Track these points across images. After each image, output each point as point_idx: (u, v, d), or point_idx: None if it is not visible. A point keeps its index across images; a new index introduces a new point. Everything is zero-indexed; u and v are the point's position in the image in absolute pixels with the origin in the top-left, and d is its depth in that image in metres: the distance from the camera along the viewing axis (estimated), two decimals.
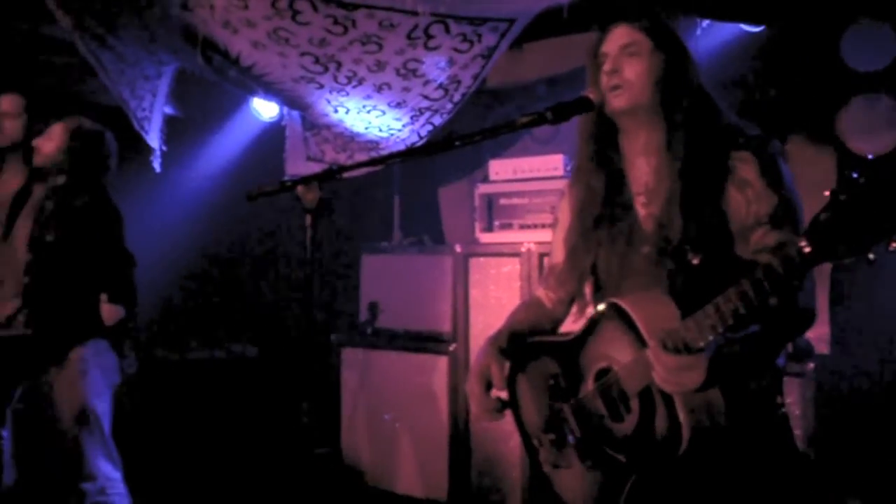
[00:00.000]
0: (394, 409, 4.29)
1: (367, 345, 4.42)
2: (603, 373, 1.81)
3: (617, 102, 1.87)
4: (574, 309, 2.08)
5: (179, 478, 4.47)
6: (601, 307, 1.83)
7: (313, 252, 1.97)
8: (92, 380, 3.07)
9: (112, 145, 3.34)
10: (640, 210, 1.90)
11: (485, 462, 4.04)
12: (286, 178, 4.89)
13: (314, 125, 4.74)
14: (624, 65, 1.86)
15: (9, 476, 3.65)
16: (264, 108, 5.12)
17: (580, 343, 1.90)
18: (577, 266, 2.03)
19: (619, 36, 1.89)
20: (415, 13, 3.37)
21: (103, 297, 3.05)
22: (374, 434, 4.40)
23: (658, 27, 1.90)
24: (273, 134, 5.05)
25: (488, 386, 2.05)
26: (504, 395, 2.09)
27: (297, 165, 4.85)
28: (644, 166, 1.92)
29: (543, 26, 3.82)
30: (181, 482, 4.45)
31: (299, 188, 1.96)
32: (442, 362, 4.16)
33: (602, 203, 1.94)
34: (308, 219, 1.93)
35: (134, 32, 3.77)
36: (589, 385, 1.85)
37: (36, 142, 3.19)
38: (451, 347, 4.13)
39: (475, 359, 2.08)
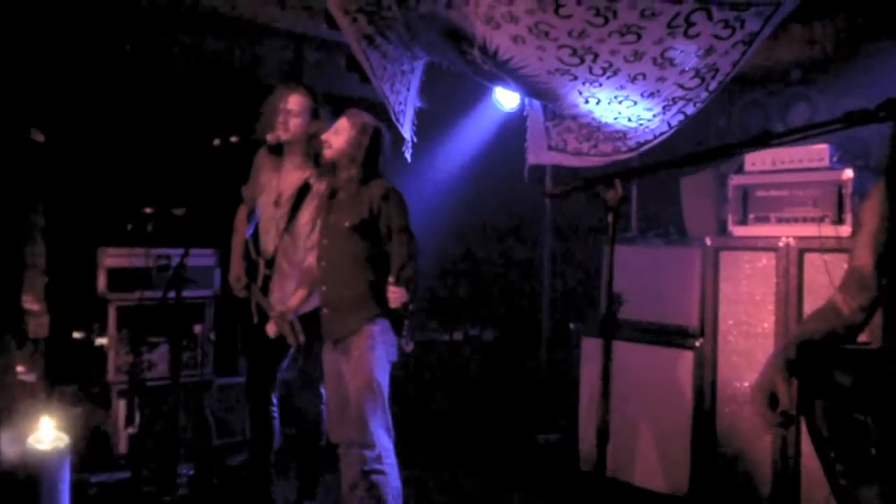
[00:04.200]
0: (634, 401, 4.26)
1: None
2: None
3: None
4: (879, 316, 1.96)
5: (419, 451, 4.69)
6: None
7: (612, 248, 2.00)
8: (378, 355, 3.28)
9: (387, 137, 3.54)
10: None
11: (732, 460, 3.93)
12: (527, 167, 4.98)
13: (556, 115, 4.77)
14: None
15: (277, 440, 4.01)
16: (506, 99, 5.22)
17: (888, 352, 1.79)
18: (886, 271, 1.91)
19: None
20: (679, 1, 3.30)
21: (390, 279, 3.22)
22: (612, 425, 4.38)
23: None
24: (514, 124, 5.14)
25: (773, 398, 1.97)
26: (790, 409, 2.00)
27: (539, 155, 4.90)
28: None
29: (804, 9, 3.62)
30: (421, 455, 4.66)
31: (600, 186, 1.97)
32: (687, 357, 4.08)
33: None
34: (609, 217, 1.95)
35: (398, 31, 3.97)
36: None
37: (325, 136, 3.41)
38: (698, 342, 4.04)
39: (761, 371, 2.01)
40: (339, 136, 3.38)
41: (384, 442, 3.29)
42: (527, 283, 5.77)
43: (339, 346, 3.38)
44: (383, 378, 3.31)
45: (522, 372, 5.54)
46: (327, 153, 3.38)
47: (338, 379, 3.41)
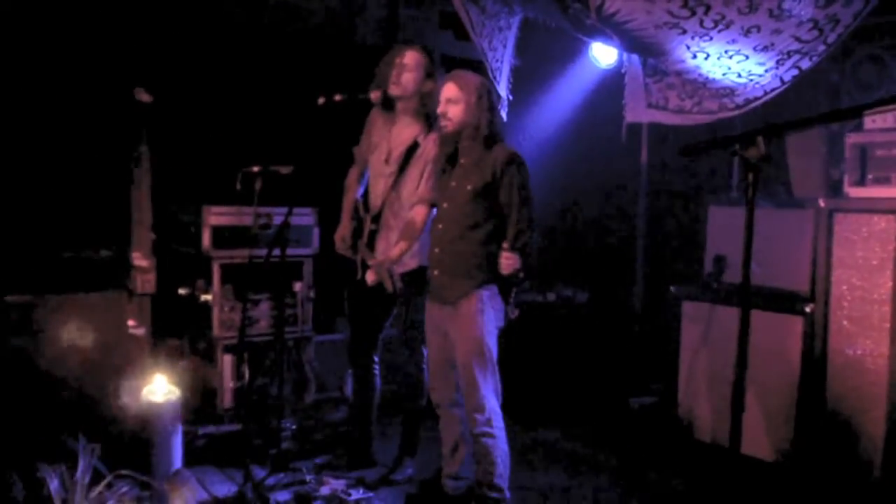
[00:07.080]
0: None
1: (712, 299, 4.28)
2: None
3: None
4: None
5: (513, 412, 4.66)
6: None
7: (751, 210, 1.91)
8: (486, 319, 3.26)
9: (495, 94, 3.46)
10: None
11: (840, 431, 3.79)
12: (625, 125, 4.85)
13: (658, 71, 4.61)
14: None
15: (378, 398, 4.06)
16: (602, 55, 5.08)
17: None
18: None
19: None
20: None
21: (504, 244, 3.17)
22: (713, 390, 4.30)
23: None
24: (612, 81, 5.00)
25: None
26: None
27: (638, 113, 4.77)
28: None
29: None
30: (515, 417, 4.63)
31: (739, 144, 1.88)
32: (796, 323, 3.93)
33: None
34: (750, 176, 1.86)
35: None
36: None
37: (441, 109, 3.31)
38: (808, 308, 3.89)
39: None
40: (455, 106, 3.28)
41: (493, 405, 3.29)
42: (621, 244, 5.66)
43: (447, 308, 3.36)
44: (492, 342, 3.29)
45: (615, 335, 5.45)
46: (448, 125, 3.30)
47: (442, 340, 3.40)
